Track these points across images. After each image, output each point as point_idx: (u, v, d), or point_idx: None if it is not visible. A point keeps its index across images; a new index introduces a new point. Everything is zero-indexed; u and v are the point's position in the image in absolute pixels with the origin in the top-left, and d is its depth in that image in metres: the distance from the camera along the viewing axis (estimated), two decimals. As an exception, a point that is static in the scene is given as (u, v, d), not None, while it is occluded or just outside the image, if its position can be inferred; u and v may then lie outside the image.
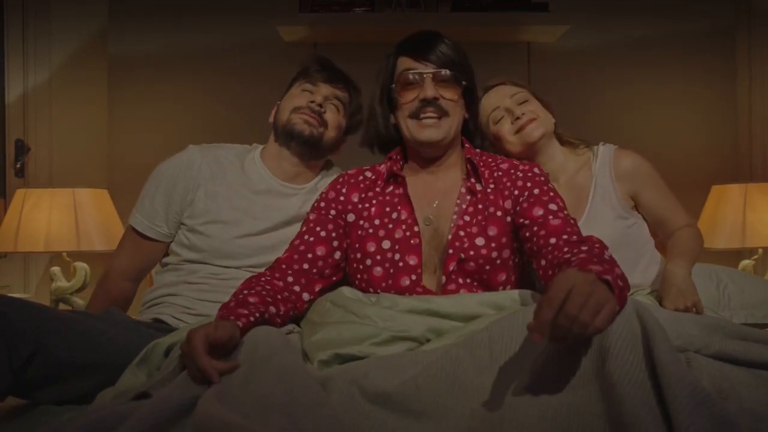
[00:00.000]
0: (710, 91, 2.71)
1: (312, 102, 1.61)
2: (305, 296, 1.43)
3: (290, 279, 1.42)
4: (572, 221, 1.38)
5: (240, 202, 1.63)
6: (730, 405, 0.86)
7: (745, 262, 2.49)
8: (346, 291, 1.38)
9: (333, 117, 1.64)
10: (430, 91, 1.43)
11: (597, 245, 1.23)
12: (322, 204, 1.53)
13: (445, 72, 1.45)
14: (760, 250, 2.49)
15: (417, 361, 1.07)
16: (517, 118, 1.65)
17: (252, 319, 1.20)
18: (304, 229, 1.51)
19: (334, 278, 1.50)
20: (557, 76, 2.68)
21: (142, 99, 2.66)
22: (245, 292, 1.32)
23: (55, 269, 2.38)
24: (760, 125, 2.78)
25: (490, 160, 1.55)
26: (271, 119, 1.73)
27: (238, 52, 2.66)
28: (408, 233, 1.44)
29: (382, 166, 1.55)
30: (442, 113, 1.45)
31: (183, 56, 2.65)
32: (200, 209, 1.61)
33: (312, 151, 1.66)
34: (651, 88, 2.70)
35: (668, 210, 1.71)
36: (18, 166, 2.71)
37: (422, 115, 1.44)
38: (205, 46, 2.65)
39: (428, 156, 1.51)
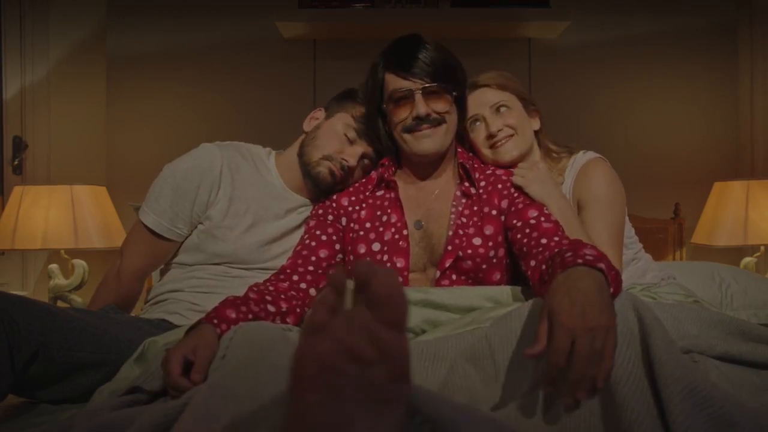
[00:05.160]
0: (712, 88, 2.70)
1: (345, 161, 1.57)
2: (312, 292, 1.46)
3: (295, 278, 1.45)
4: (562, 227, 1.39)
5: (256, 207, 1.62)
6: (732, 406, 0.84)
7: (747, 260, 2.48)
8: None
9: (358, 175, 1.62)
10: (422, 108, 1.43)
11: (588, 246, 1.23)
12: (320, 211, 1.57)
13: (434, 86, 1.44)
14: (762, 248, 2.48)
15: (426, 367, 1.06)
16: (492, 135, 1.56)
17: (239, 323, 1.21)
18: (306, 235, 1.54)
19: None
20: (558, 72, 2.67)
21: (140, 95, 2.66)
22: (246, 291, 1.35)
23: (53, 267, 2.37)
24: (762, 122, 2.77)
25: (483, 164, 1.57)
26: (307, 127, 1.67)
27: (237, 48, 2.65)
28: (397, 236, 1.47)
29: (374, 172, 1.58)
30: (437, 124, 1.46)
31: (181, 53, 2.64)
32: (218, 211, 1.59)
33: (323, 193, 1.63)
34: (652, 85, 2.69)
35: (585, 237, 1.45)
36: (15, 162, 2.70)
37: (417, 132, 1.45)
38: (204, 43, 2.65)
39: (424, 164, 1.52)
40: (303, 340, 0.62)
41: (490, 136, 1.57)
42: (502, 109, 1.58)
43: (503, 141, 1.57)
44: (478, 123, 1.59)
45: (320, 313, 0.62)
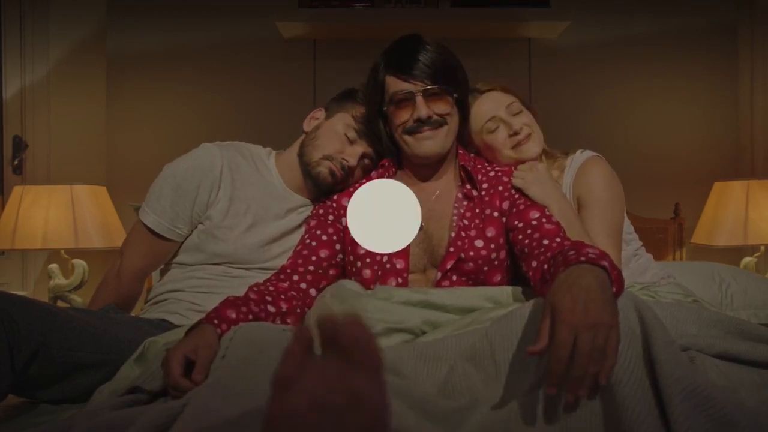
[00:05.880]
0: (712, 88, 2.70)
1: (345, 161, 1.57)
2: (312, 292, 1.46)
3: (296, 278, 1.45)
4: (563, 229, 1.39)
5: (256, 207, 1.62)
6: (732, 407, 0.84)
7: (747, 260, 2.48)
8: (346, 283, 1.39)
9: (358, 175, 1.62)
10: (423, 110, 1.43)
11: (590, 246, 1.23)
12: (321, 211, 1.57)
13: (435, 88, 1.43)
14: (762, 248, 2.48)
15: (426, 368, 1.06)
16: (515, 133, 1.57)
17: (240, 323, 1.22)
18: (306, 235, 1.54)
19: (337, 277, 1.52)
20: (558, 72, 2.67)
21: (140, 95, 2.66)
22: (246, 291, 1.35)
23: (53, 266, 2.37)
24: (762, 122, 2.77)
25: (486, 164, 1.57)
26: (307, 127, 1.68)
27: (237, 48, 2.65)
28: None
29: (374, 173, 1.58)
30: (438, 126, 1.46)
31: (181, 53, 2.64)
32: (218, 211, 1.59)
33: (324, 193, 1.63)
34: (653, 85, 2.69)
35: (586, 236, 1.46)
36: (15, 162, 2.70)
37: (418, 134, 1.45)
38: (204, 43, 2.65)
39: (425, 165, 1.52)
40: (273, 398, 0.60)
41: (514, 134, 1.57)
42: (516, 110, 1.60)
43: (525, 139, 1.57)
44: (496, 125, 1.59)
45: (288, 367, 0.60)
